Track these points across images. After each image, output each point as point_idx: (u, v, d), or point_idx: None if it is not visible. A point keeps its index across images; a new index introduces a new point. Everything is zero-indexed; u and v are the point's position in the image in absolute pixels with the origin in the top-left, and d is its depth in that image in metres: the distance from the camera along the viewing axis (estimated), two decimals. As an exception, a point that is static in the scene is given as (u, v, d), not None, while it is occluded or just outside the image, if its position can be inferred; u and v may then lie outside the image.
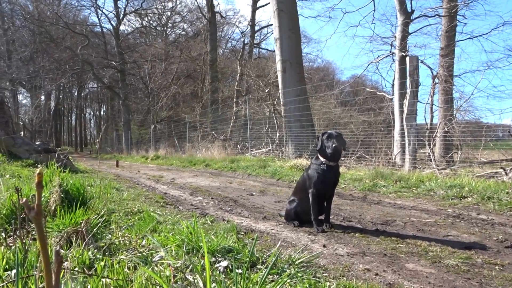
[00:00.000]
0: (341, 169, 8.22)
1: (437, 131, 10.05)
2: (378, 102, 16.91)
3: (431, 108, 11.42)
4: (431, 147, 9.37)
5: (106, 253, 2.41)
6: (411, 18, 14.32)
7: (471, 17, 21.45)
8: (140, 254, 2.34)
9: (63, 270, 1.78)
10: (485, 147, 9.16)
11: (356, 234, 3.68)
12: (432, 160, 9.04)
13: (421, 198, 5.90)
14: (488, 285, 2.42)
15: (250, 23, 33.15)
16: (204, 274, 1.93)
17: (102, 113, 62.33)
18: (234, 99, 23.94)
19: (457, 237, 3.60)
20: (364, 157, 11.70)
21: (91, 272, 1.98)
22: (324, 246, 3.28)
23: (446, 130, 9.86)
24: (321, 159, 3.96)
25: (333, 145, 3.81)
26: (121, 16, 35.42)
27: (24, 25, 32.56)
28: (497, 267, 2.75)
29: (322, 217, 4.06)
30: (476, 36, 15.04)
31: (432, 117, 11.64)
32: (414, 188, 6.47)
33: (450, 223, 4.18)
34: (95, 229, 2.65)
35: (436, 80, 11.81)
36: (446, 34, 14.18)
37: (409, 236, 3.62)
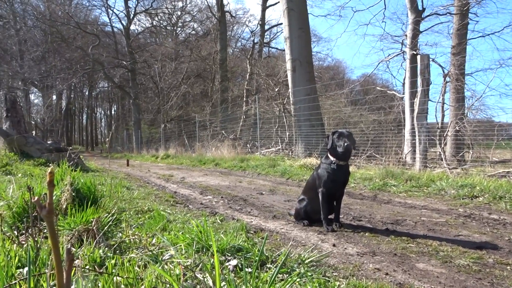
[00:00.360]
0: (351, 168, 8.17)
1: (448, 130, 9.94)
2: (389, 101, 16.80)
3: (442, 107, 11.30)
4: (442, 146, 9.28)
5: (117, 252, 2.43)
6: (422, 16, 14.20)
7: (483, 15, 21.28)
8: (150, 253, 2.35)
9: (74, 268, 1.80)
10: (497, 146, 9.05)
11: (366, 234, 3.66)
12: (443, 159, 8.96)
13: (431, 197, 5.86)
14: (500, 285, 2.39)
15: (260, 22, 33.21)
16: (214, 272, 1.94)
17: (112, 112, 62.88)
18: (244, 98, 23.97)
19: (468, 237, 3.57)
20: (374, 156, 11.64)
21: (102, 270, 2.00)
22: (333, 245, 3.27)
23: (458, 129, 9.75)
24: (331, 158, 3.94)
25: (345, 144, 3.78)
26: (132, 15, 35.62)
27: (36, 25, 32.91)
28: (508, 267, 2.72)
29: (331, 216, 4.04)
30: (488, 34, 14.88)
31: (443, 116, 11.53)
32: (425, 188, 6.42)
33: (461, 223, 4.15)
34: (105, 228, 2.67)
35: (448, 79, 11.69)
36: (457, 32, 14.02)
37: (420, 235, 3.59)
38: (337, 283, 2.24)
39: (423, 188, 6.41)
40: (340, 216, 4.13)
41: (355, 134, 4.01)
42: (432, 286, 2.36)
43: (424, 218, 4.40)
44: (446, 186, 6.13)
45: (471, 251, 3.09)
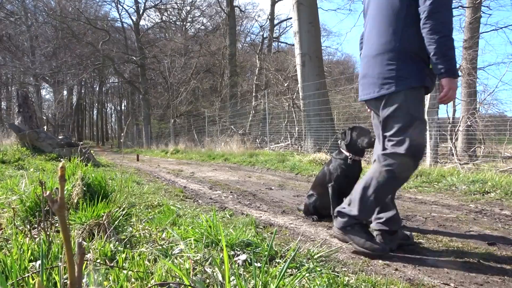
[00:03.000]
0: (362, 164, 8.13)
1: (460, 125, 9.85)
2: (399, 96, 16.62)
3: (454, 102, 11.19)
4: (453, 141, 9.21)
5: (127, 246, 2.45)
6: (433, 9, 14.00)
7: (496, 8, 21.11)
8: (160, 247, 2.37)
9: (85, 262, 1.82)
10: (509, 141, 8.95)
11: (376, 229, 3.64)
12: (454, 154, 8.89)
13: (442, 193, 5.81)
14: (511, 281, 2.37)
15: (269, 17, 33.08)
16: (223, 267, 1.95)
17: (122, 107, 63.23)
18: (253, 93, 23.96)
19: (479, 232, 3.54)
20: (384, 152, 11.56)
21: (112, 264, 2.02)
22: (343, 240, 3.26)
23: (469, 124, 9.65)
24: (346, 153, 3.89)
25: (372, 139, 3.70)
26: (141, 11, 35.78)
27: (47, 21, 33.18)
28: (520, 264, 2.69)
29: (341, 211, 4.02)
30: (501, 28, 14.70)
31: (454, 110, 11.43)
32: (435, 183, 6.37)
33: (472, 219, 4.11)
34: (116, 222, 2.69)
35: (459, 73, 11.56)
36: (469, 25, 13.83)
37: (430, 231, 3.57)
38: (346, 278, 2.24)
39: (433, 184, 6.37)
40: (350, 212, 4.11)
41: (364, 130, 3.96)
42: (442, 282, 2.35)
43: (435, 214, 4.37)
44: (457, 182, 6.08)
45: (482, 247, 3.07)
